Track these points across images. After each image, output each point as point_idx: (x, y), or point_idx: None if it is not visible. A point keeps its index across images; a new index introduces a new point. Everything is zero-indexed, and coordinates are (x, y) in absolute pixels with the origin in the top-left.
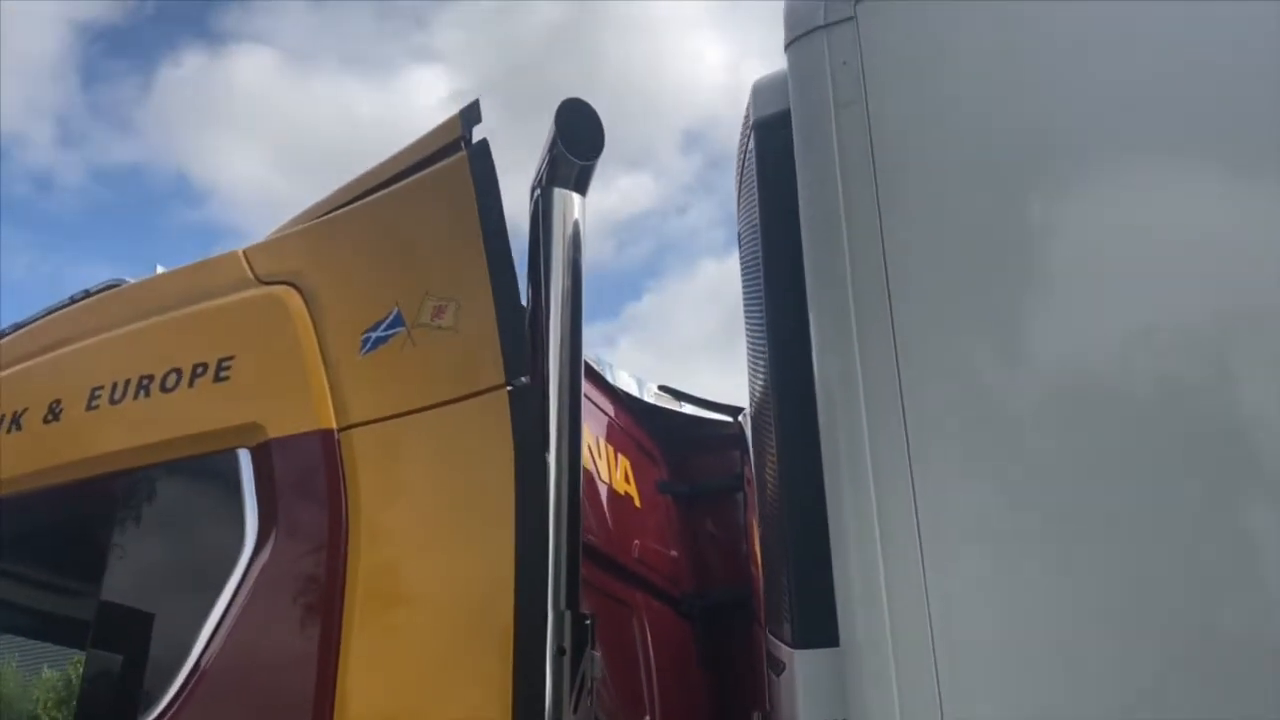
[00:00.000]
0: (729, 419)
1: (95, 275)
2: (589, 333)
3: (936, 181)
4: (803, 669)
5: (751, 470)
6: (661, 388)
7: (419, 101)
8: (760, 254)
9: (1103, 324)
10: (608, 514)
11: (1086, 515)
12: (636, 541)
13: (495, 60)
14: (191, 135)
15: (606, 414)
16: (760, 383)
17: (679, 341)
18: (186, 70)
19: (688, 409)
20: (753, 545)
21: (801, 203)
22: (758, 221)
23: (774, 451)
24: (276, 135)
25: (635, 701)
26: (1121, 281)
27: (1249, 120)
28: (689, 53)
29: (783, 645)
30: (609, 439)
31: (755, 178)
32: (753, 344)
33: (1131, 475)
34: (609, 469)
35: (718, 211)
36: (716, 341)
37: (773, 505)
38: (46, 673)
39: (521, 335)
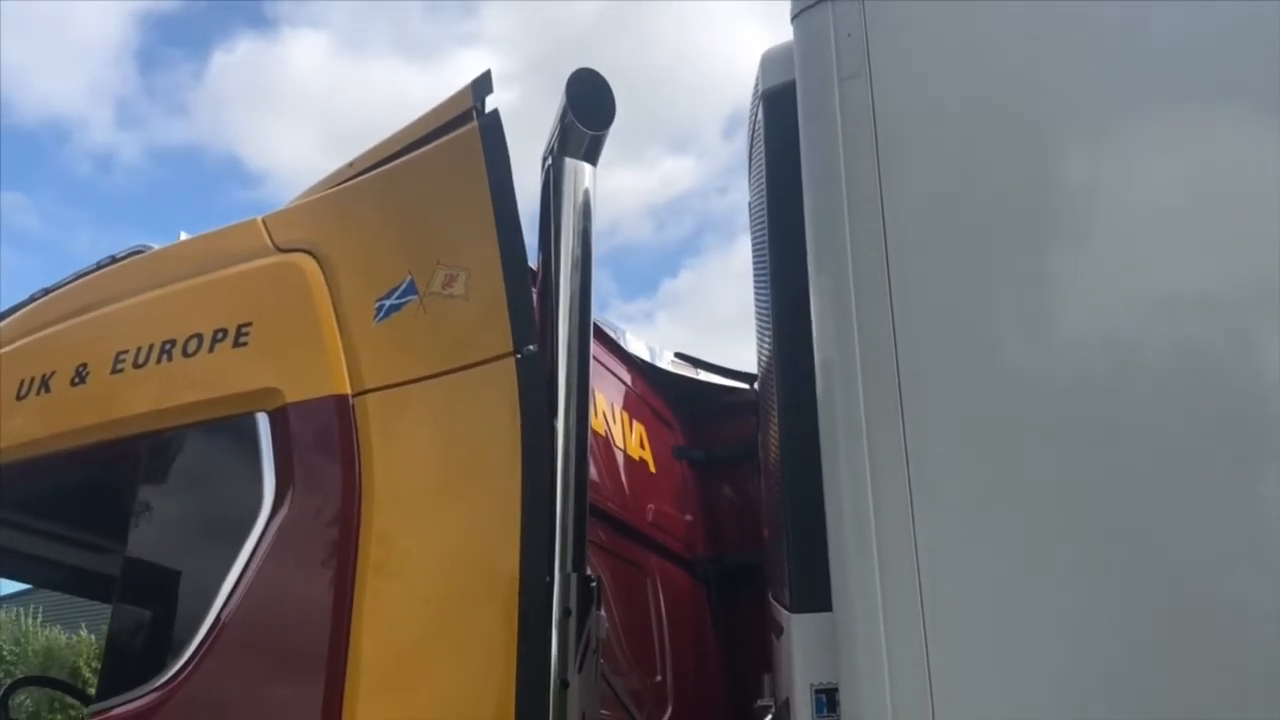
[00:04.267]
0: (745, 386)
1: None
2: (629, 308)
3: (939, 156)
4: (799, 633)
5: None
6: (678, 355)
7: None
8: (765, 224)
9: (1109, 297)
10: (623, 478)
11: (1085, 486)
12: (651, 506)
13: (543, 45)
14: (245, 118)
15: (622, 380)
16: (765, 352)
17: (716, 316)
18: (240, 55)
19: (704, 376)
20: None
21: (804, 174)
22: (764, 192)
23: (774, 420)
24: (328, 118)
25: (647, 662)
26: (1129, 255)
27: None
28: (735, 39)
29: (782, 609)
30: (625, 405)
31: (762, 149)
32: (760, 313)
33: (1139, 451)
34: (624, 434)
35: None
36: (752, 316)
37: (773, 472)
38: (84, 627)
39: (529, 304)
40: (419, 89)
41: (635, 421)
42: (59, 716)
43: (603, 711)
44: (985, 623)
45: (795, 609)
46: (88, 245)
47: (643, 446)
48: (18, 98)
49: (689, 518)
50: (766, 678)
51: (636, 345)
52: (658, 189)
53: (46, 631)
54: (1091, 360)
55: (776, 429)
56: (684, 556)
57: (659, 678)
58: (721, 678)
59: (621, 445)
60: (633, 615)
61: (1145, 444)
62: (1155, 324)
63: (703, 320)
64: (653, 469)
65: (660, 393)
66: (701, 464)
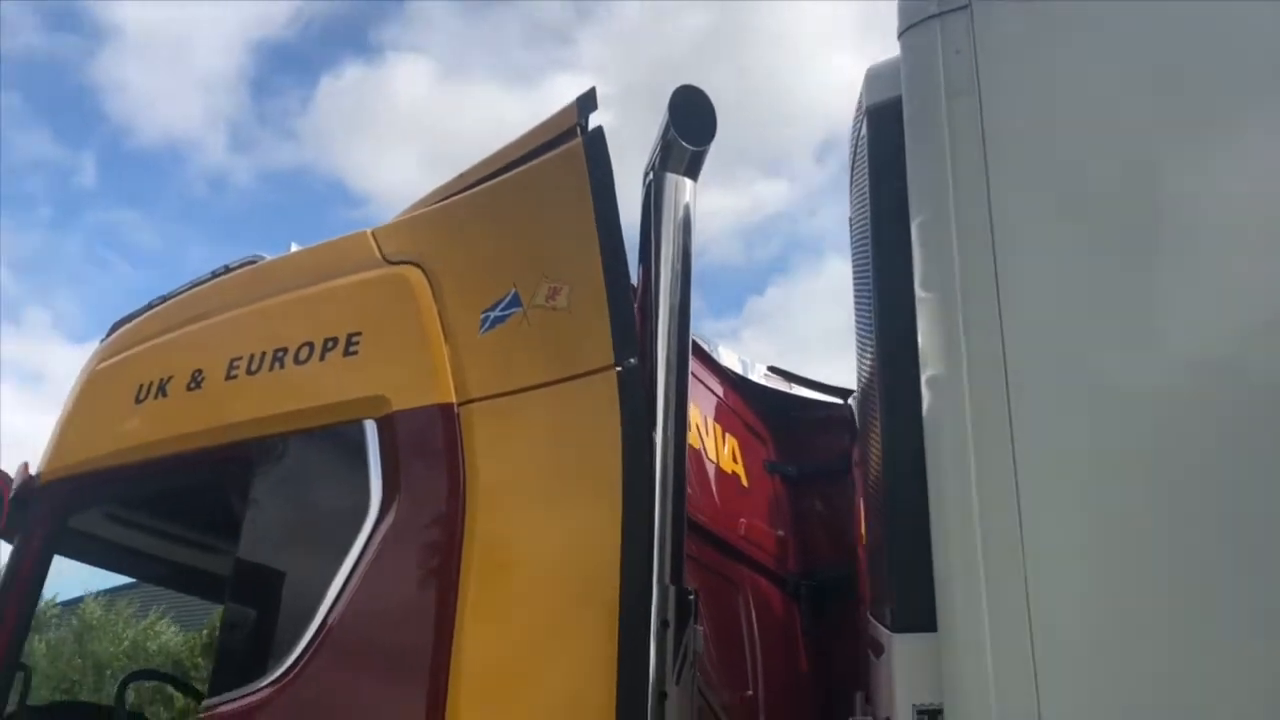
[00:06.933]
0: (839, 400)
1: None
2: (715, 326)
3: (1048, 172)
4: (900, 653)
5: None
6: (771, 369)
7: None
8: (869, 240)
9: (1219, 315)
10: (715, 492)
11: (1197, 506)
12: (743, 520)
13: (637, 72)
14: (350, 142)
15: (715, 394)
16: (866, 368)
17: (800, 334)
18: (346, 82)
19: (797, 390)
20: (859, 527)
21: (910, 190)
22: (867, 208)
23: (877, 436)
24: (429, 141)
25: (738, 676)
26: (1241, 273)
27: None
28: (829, 66)
29: (882, 628)
30: (717, 418)
31: (866, 164)
32: (860, 328)
33: (1254, 471)
34: (716, 448)
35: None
36: (840, 335)
37: (876, 489)
38: (196, 624)
39: (631, 317)
40: (517, 113)
41: (728, 435)
42: (163, 709)
43: None
44: (1096, 644)
45: (897, 628)
46: (200, 261)
47: (735, 460)
48: (139, 122)
49: (780, 532)
50: (858, 695)
51: (729, 359)
52: (748, 210)
53: (161, 629)
54: (1203, 377)
55: (879, 445)
56: (775, 571)
57: (750, 692)
58: (812, 693)
59: (714, 459)
60: (725, 629)
61: (1259, 463)
62: (1266, 340)
63: (786, 338)
64: (745, 483)
65: (752, 406)
66: (792, 478)
